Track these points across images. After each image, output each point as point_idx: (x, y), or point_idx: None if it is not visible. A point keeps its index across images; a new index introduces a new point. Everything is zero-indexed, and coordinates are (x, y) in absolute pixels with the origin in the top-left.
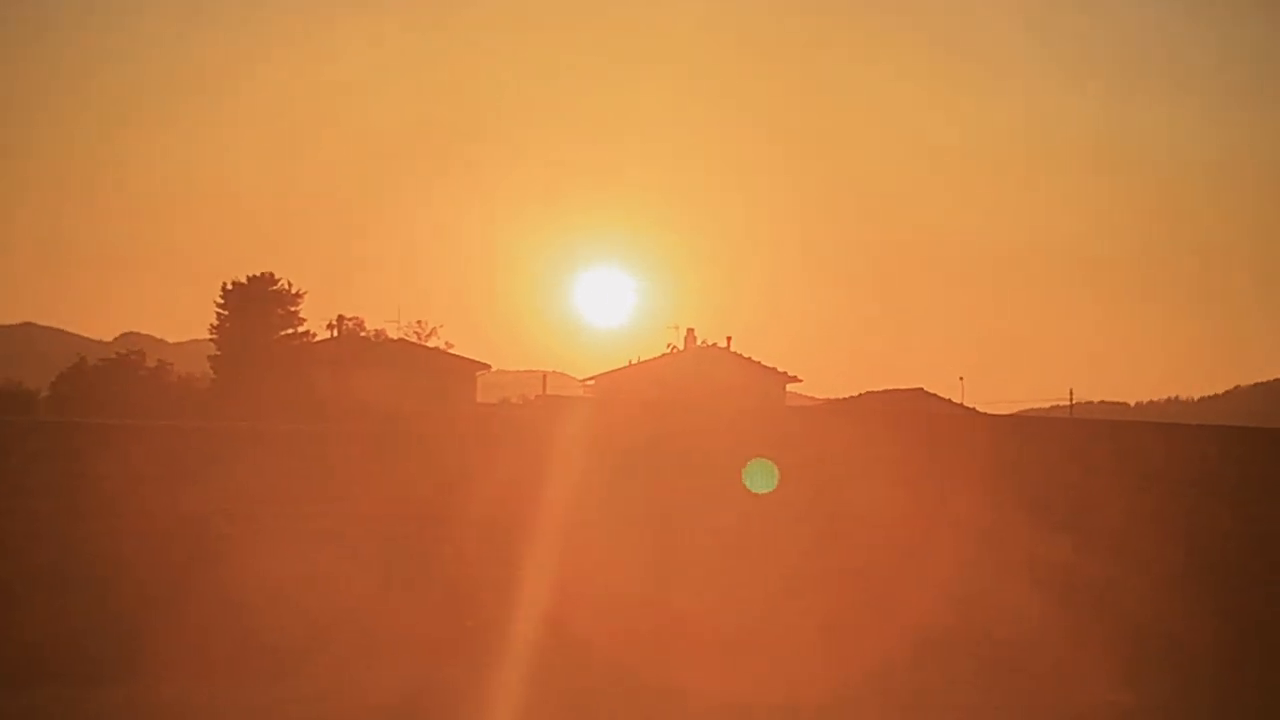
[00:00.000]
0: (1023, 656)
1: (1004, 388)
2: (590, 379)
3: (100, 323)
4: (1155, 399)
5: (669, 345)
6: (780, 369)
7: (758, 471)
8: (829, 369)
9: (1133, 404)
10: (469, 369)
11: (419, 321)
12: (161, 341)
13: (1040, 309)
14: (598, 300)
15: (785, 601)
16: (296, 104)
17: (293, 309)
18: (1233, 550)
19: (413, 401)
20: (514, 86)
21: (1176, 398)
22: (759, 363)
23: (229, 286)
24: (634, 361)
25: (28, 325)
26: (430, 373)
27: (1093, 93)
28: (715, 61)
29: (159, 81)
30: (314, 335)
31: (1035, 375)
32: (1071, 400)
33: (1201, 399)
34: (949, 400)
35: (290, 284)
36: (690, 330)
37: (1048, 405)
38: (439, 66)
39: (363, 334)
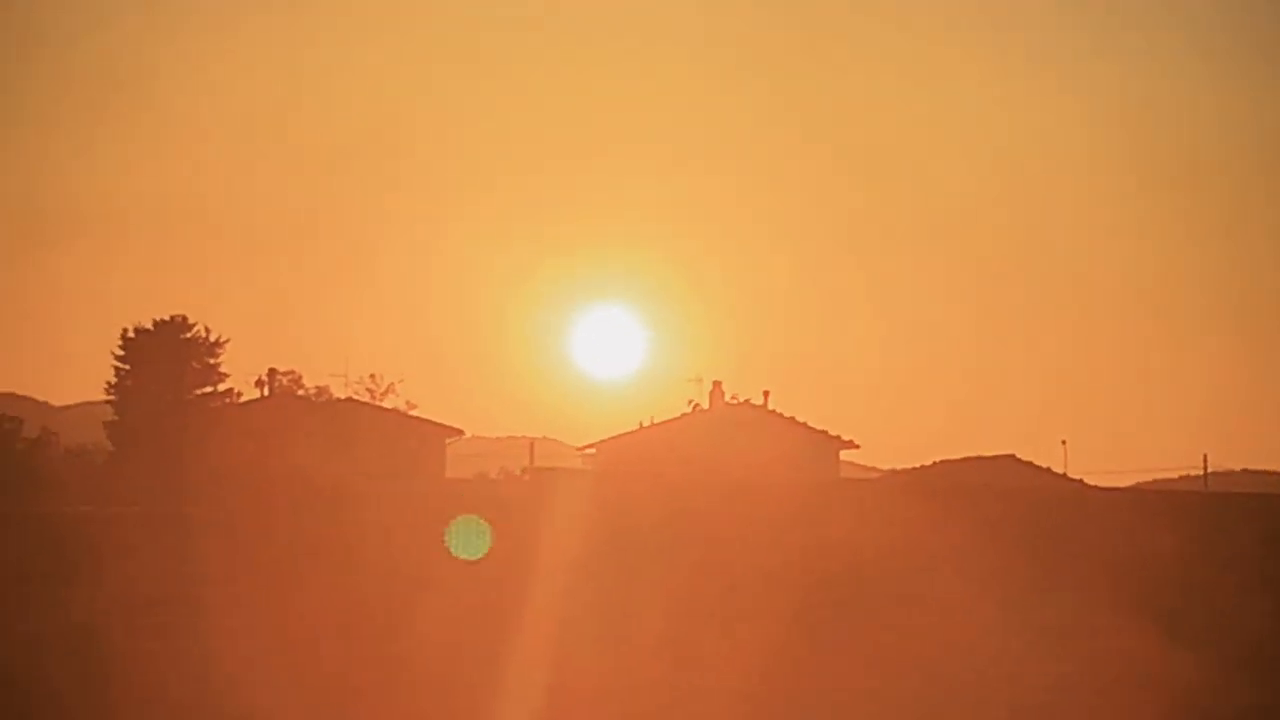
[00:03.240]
0: None
1: (1119, 453)
2: (589, 446)
3: None
4: None
5: (690, 403)
6: (832, 432)
7: (464, 532)
8: (894, 432)
9: None
10: (436, 435)
11: (372, 376)
12: (44, 405)
13: (1166, 352)
14: (598, 349)
15: None
16: (215, 109)
17: (212, 361)
18: None
19: (365, 477)
20: (493, 86)
21: None
22: (805, 424)
23: (130, 334)
24: (645, 424)
25: None
26: (388, 440)
27: (1238, 68)
28: (749, 56)
29: (39, 87)
30: (239, 394)
31: (1159, 437)
32: (1206, 468)
33: None
34: (1048, 470)
35: (208, 330)
36: (717, 384)
37: (1175, 475)
38: (399, 61)
39: (300, 392)
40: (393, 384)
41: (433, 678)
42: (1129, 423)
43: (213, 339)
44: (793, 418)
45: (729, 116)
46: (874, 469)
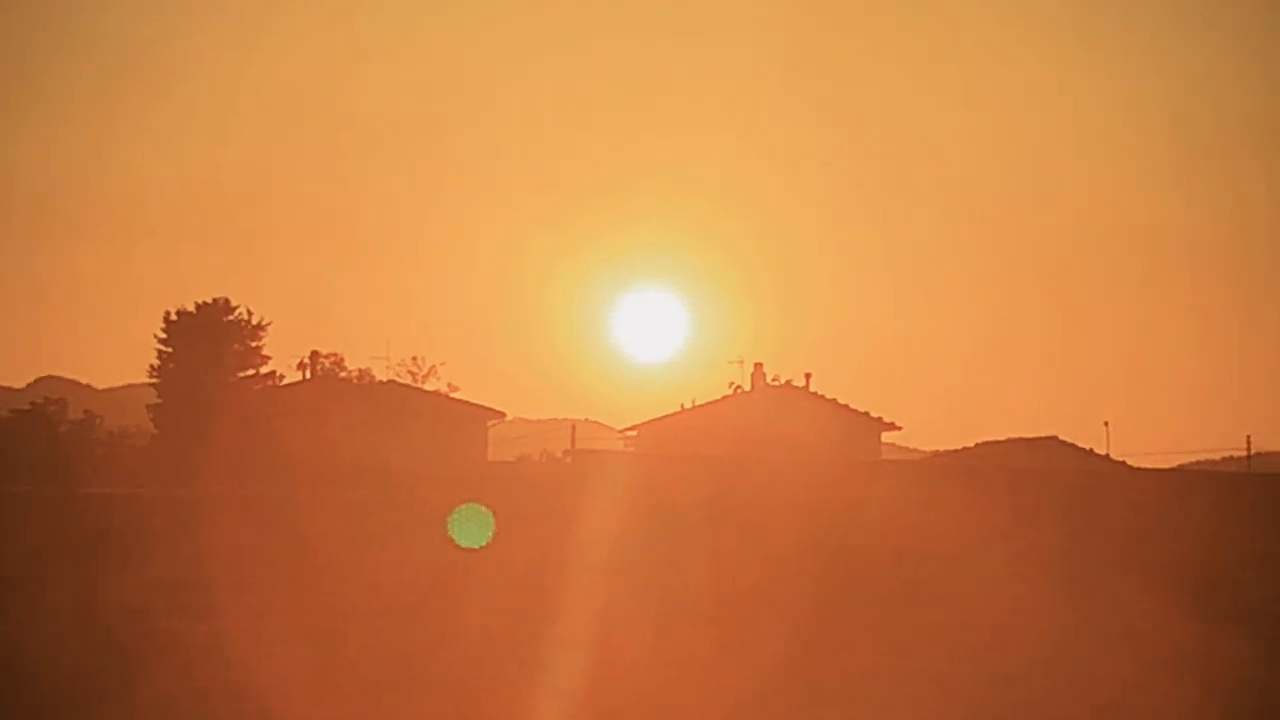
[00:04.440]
0: None
1: (1161, 435)
2: (632, 429)
3: (9, 365)
4: None
5: (731, 385)
6: (873, 414)
7: (467, 521)
8: (935, 413)
9: None
10: (478, 418)
11: (414, 359)
12: (87, 387)
13: (1208, 332)
14: (639, 331)
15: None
16: (254, 92)
17: (254, 344)
18: None
19: (407, 459)
20: (533, 68)
21: None
22: (846, 406)
23: (173, 317)
24: (687, 406)
25: None
26: (429, 422)
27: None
28: (789, 35)
29: (80, 71)
30: (281, 376)
31: (1202, 418)
32: (1249, 450)
33: None
34: (1090, 451)
35: (250, 313)
36: (758, 366)
37: (1218, 457)
38: (440, 44)
39: (343, 374)
40: (435, 366)
41: (473, 658)
42: (1171, 404)
43: (255, 321)
44: (834, 399)
45: (769, 97)
46: (916, 451)
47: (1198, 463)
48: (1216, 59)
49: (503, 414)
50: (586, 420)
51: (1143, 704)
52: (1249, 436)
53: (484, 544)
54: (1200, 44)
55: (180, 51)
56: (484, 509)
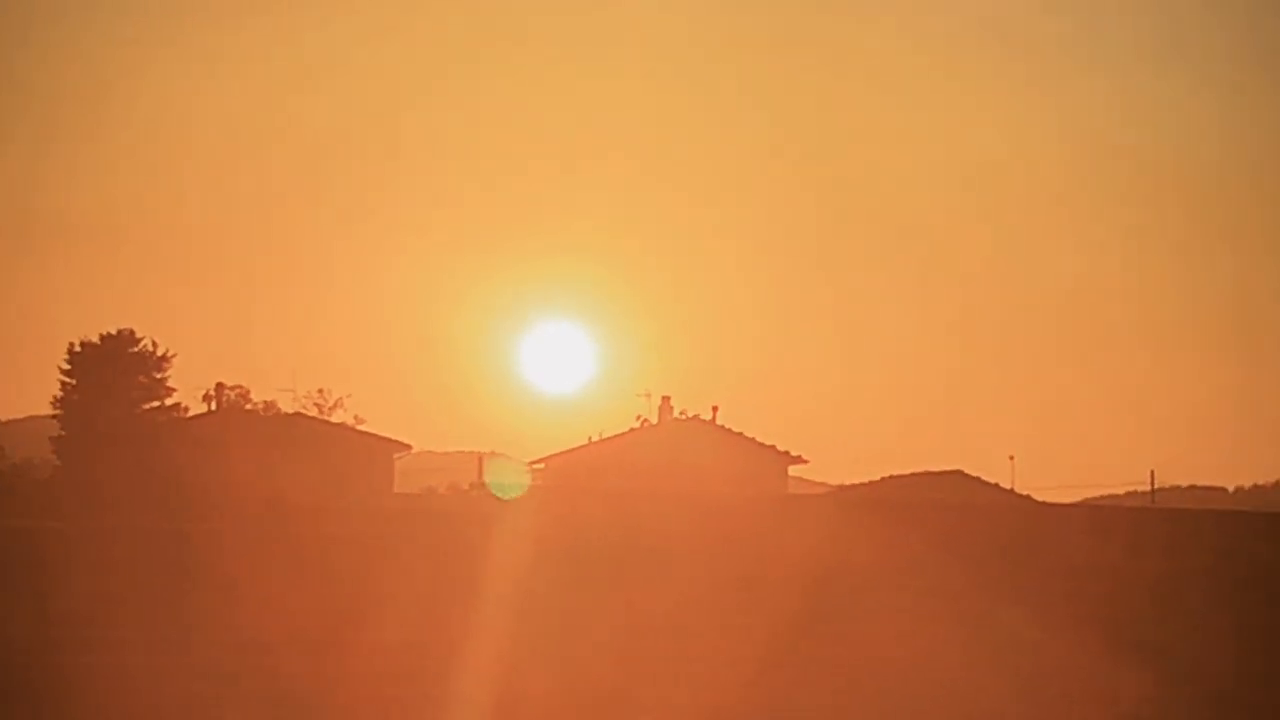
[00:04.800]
0: None
1: (1066, 469)
2: (539, 461)
3: None
4: (1262, 483)
5: (638, 418)
6: (780, 447)
7: (501, 474)
8: (842, 447)
9: (1231, 489)
10: (385, 450)
11: (320, 391)
12: None
13: (1113, 368)
14: (546, 364)
15: None
16: (158, 122)
17: (158, 376)
18: None
19: (313, 491)
20: (438, 100)
21: None
22: (753, 439)
23: (76, 348)
24: (594, 439)
25: None
26: (335, 455)
27: (1182, 90)
28: (696, 66)
29: None
30: (186, 408)
31: (1107, 453)
32: (1153, 485)
33: None
34: (995, 486)
35: (155, 344)
36: (665, 399)
37: (1122, 491)
38: (343, 77)
39: (248, 406)
40: (341, 399)
41: (380, 694)
42: (1075, 439)
43: (160, 353)
44: (741, 433)
45: (675, 129)
46: (823, 484)
47: (1102, 497)
48: (1121, 108)
49: (409, 446)
50: (493, 452)
51: None
52: (1153, 471)
53: (519, 495)
54: (1098, 95)
55: (82, 81)
56: (516, 463)
